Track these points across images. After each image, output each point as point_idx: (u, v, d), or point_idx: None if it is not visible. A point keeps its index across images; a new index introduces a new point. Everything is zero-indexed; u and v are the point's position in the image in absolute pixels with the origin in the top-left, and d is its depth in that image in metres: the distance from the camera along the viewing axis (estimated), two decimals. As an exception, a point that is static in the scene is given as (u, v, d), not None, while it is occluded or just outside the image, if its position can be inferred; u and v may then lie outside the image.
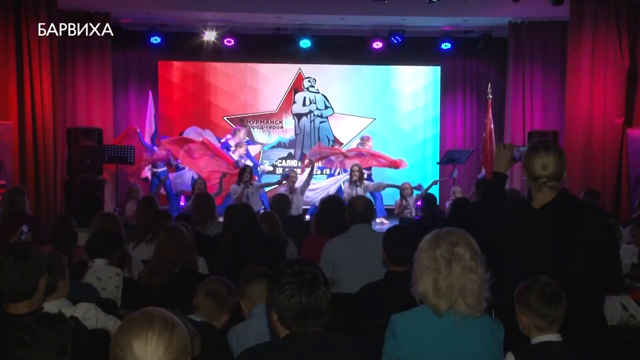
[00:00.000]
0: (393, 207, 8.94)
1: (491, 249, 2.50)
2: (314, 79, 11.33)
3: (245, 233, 4.27)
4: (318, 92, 11.35)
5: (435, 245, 2.11)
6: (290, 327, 1.90)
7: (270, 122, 11.25)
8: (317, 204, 5.98)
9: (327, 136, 11.31)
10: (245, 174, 8.45)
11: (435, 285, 2.08)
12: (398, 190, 8.92)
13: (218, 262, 4.18)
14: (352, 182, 8.84)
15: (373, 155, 9.85)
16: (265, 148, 10.98)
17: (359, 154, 9.85)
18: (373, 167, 9.94)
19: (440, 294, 2.07)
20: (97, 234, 3.89)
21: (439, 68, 11.37)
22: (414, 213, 8.44)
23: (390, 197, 9.53)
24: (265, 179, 10.00)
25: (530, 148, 2.70)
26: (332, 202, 4.74)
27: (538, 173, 2.61)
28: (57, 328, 2.07)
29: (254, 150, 10.60)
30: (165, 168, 9.87)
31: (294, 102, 11.32)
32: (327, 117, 11.37)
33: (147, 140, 10.16)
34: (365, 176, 9.12)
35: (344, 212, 4.32)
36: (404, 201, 8.56)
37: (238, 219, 4.37)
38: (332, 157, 9.96)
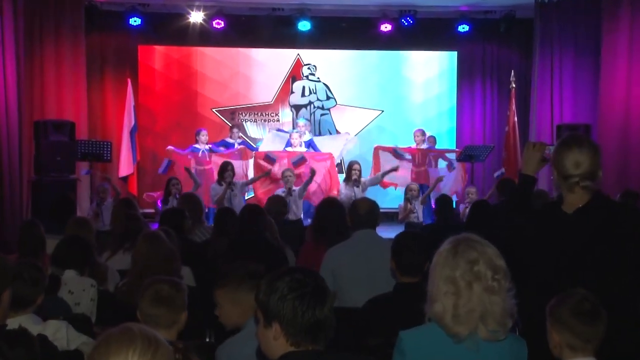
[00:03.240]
0: (397, 210, 8.89)
1: (514, 257, 2.49)
2: (315, 65, 11.32)
3: (246, 239, 4.26)
4: (319, 81, 11.34)
5: (454, 264, 2.09)
6: (300, 343, 1.90)
7: (265, 114, 11.24)
8: None
9: (329, 130, 11.30)
10: (227, 172, 8.34)
11: (455, 310, 2.06)
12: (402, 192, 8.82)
13: (208, 273, 4.16)
14: (350, 181, 8.74)
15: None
16: (259, 144, 10.97)
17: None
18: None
19: (459, 320, 2.06)
20: (61, 242, 3.88)
21: (455, 53, 11.35)
22: (421, 217, 8.33)
23: (393, 201, 9.49)
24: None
25: (560, 143, 2.68)
26: (329, 205, 4.72)
27: (570, 172, 2.60)
28: (28, 345, 2.09)
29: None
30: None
31: (292, 92, 11.32)
32: (329, 109, 11.36)
33: (125, 135, 10.17)
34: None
35: (343, 217, 4.31)
36: (409, 204, 8.42)
37: (235, 222, 4.38)
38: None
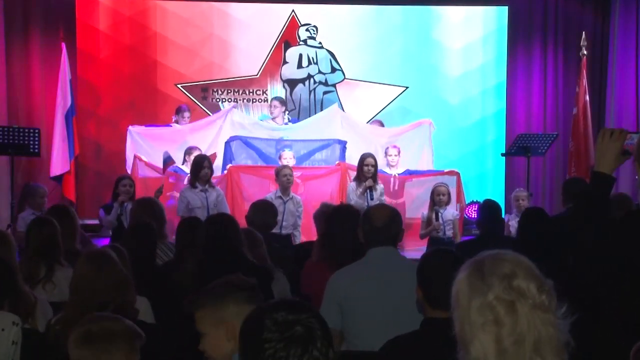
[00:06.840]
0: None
1: (584, 285, 2.52)
2: (315, 26, 11.35)
3: (218, 258, 4.31)
4: (321, 47, 11.38)
5: (484, 287, 2.10)
6: None
7: (249, 92, 11.27)
8: None
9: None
10: (203, 169, 8.25)
11: (498, 345, 2.08)
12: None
13: (171, 303, 4.19)
14: (361, 183, 8.68)
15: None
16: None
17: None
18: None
19: (507, 357, 2.08)
20: None
21: (505, 9, 11.38)
22: (448, 233, 8.15)
23: (417, 209, 9.45)
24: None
25: (645, 131, 2.71)
26: (341, 213, 4.76)
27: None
28: None
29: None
30: None
31: (285, 63, 11.37)
32: (334, 85, 11.41)
33: (59, 119, 10.16)
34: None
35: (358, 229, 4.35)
36: (435, 214, 8.19)
37: (212, 235, 4.43)
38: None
